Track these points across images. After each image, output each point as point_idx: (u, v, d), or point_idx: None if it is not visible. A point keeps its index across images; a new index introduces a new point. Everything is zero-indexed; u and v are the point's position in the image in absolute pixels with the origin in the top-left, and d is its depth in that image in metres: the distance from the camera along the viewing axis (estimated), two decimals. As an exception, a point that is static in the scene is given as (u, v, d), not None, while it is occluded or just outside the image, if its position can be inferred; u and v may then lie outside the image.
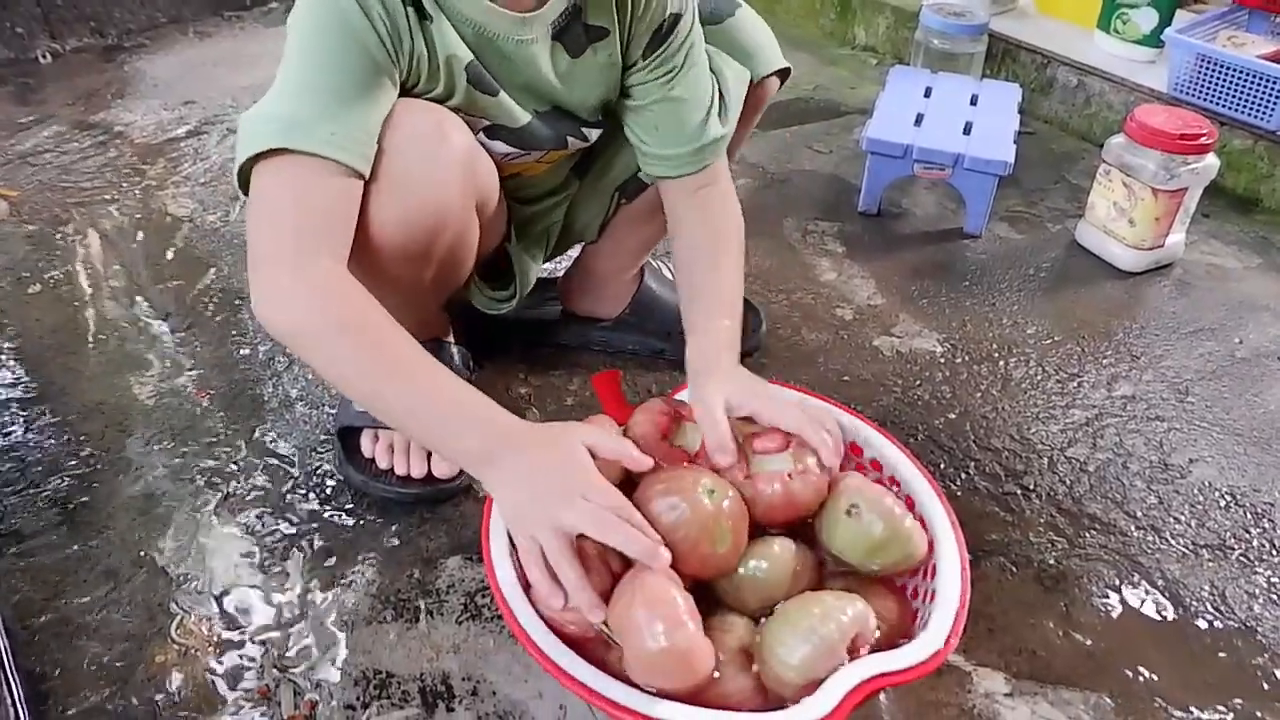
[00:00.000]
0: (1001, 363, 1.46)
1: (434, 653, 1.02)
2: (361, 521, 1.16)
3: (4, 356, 1.40)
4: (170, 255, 1.64)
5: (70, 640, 1.02)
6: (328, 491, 1.20)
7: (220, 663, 1.00)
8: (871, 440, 1.04)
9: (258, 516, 1.17)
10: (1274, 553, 1.17)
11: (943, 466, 1.27)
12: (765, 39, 1.20)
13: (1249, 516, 1.22)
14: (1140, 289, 1.65)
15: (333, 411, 1.29)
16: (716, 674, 0.82)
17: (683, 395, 1.08)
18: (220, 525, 1.15)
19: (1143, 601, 1.10)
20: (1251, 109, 1.87)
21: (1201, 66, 1.91)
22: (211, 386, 1.36)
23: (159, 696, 0.97)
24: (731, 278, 1.14)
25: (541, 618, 0.84)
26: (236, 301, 1.53)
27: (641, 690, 0.79)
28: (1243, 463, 1.30)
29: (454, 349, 1.26)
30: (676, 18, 1.06)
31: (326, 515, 1.17)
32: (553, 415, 1.33)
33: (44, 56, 2.33)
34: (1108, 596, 1.11)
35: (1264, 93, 1.84)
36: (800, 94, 2.25)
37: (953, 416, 1.35)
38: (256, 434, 1.28)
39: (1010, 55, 2.25)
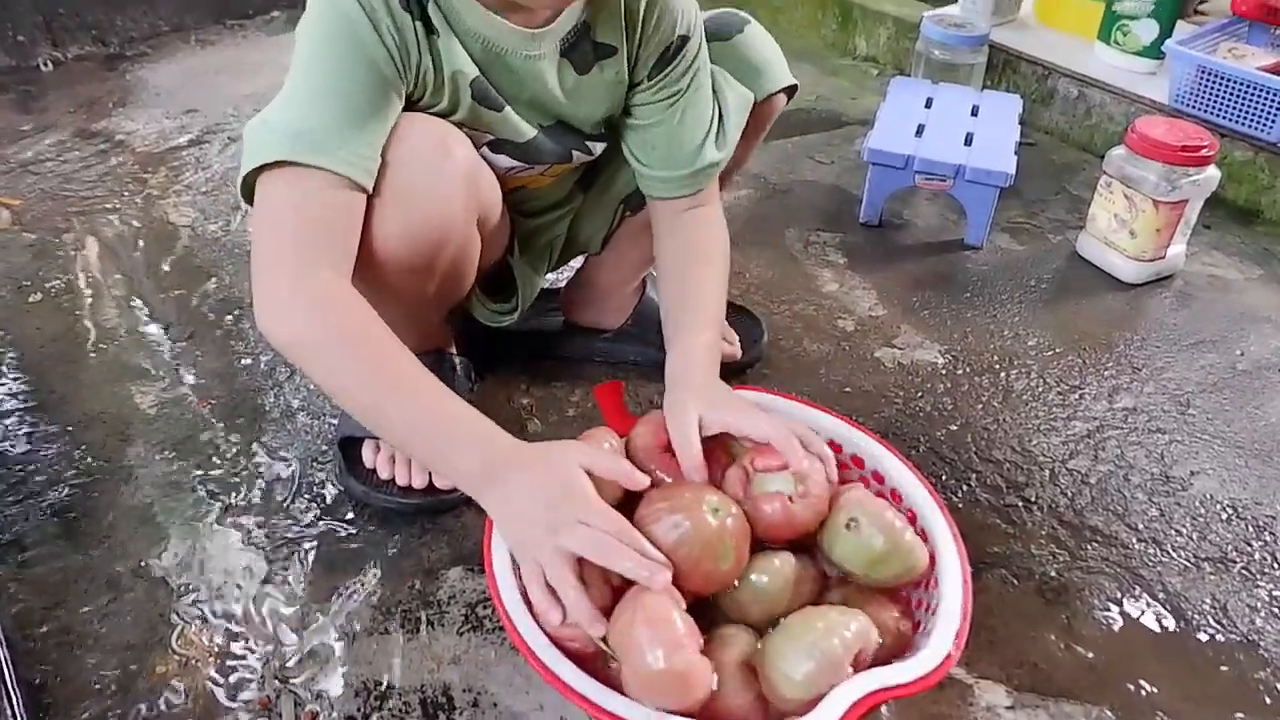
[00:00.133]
0: (1003, 374, 1.46)
1: (435, 664, 1.02)
2: (362, 532, 1.16)
3: (5, 365, 1.40)
4: (171, 264, 1.64)
5: (71, 650, 1.02)
6: (329, 502, 1.20)
7: (221, 673, 1.00)
8: (873, 452, 1.04)
9: (258, 526, 1.16)
10: (1276, 566, 1.17)
11: (944, 478, 1.27)
12: (773, 55, 1.20)
13: (1250, 530, 1.21)
14: (1141, 300, 1.65)
15: (334, 422, 1.29)
16: (714, 687, 0.82)
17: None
18: (221, 535, 1.15)
19: (1144, 614, 1.10)
20: (1252, 121, 1.87)
21: (1202, 78, 1.91)
22: (212, 396, 1.36)
23: (160, 707, 0.97)
24: (712, 291, 1.14)
25: (543, 631, 0.84)
26: (237, 311, 1.53)
27: (641, 704, 0.79)
28: (1244, 475, 1.29)
29: (456, 360, 1.26)
30: (684, 39, 1.07)
31: (327, 526, 1.17)
32: (555, 426, 1.33)
33: (46, 64, 2.34)
34: (1109, 609, 1.11)
35: (1264, 105, 1.84)
36: (802, 105, 2.25)
37: (954, 428, 1.35)
38: (257, 444, 1.28)
39: (1011, 66, 2.25)
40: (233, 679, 0.99)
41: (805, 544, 0.96)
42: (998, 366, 1.47)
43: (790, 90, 1.22)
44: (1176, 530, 1.21)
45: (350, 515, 1.18)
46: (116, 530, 1.15)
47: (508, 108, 1.02)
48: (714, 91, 1.13)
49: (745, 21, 1.18)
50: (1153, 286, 1.68)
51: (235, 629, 1.05)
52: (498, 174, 1.08)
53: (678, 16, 1.05)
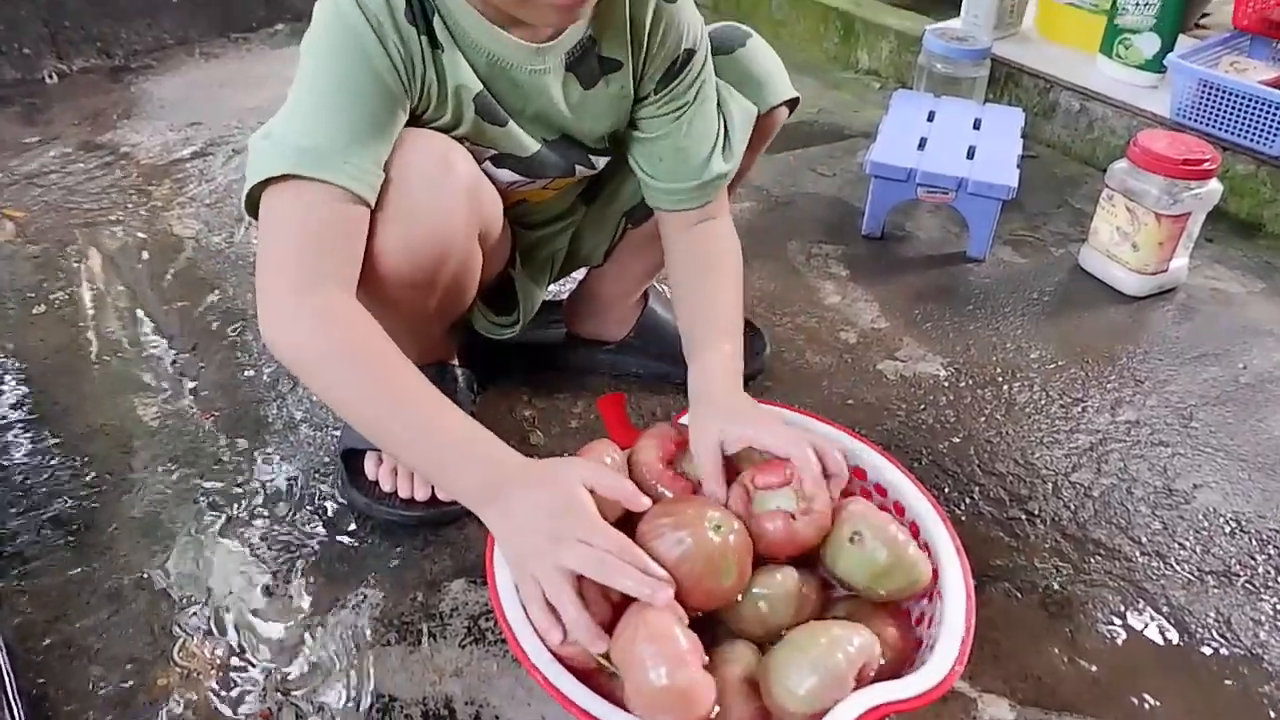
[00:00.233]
0: (1005, 387, 1.46)
1: (437, 676, 1.02)
2: (365, 544, 1.16)
3: (8, 377, 1.40)
4: (175, 276, 1.64)
5: (72, 663, 1.02)
6: (331, 514, 1.20)
7: (223, 686, 1.00)
8: (875, 464, 1.04)
9: (261, 539, 1.16)
10: (1280, 579, 1.17)
11: (947, 491, 1.27)
12: (775, 68, 1.20)
13: (1254, 543, 1.21)
14: (1144, 314, 1.65)
15: (336, 434, 1.29)
16: (717, 703, 0.82)
17: (686, 419, 1.09)
18: (223, 547, 1.15)
19: (1147, 628, 1.10)
20: (1254, 134, 1.87)
21: (1204, 92, 1.92)
22: (215, 408, 1.36)
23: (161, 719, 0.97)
24: (728, 303, 1.14)
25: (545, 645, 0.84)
26: (241, 323, 1.53)
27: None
28: (1247, 488, 1.29)
29: (458, 372, 1.26)
30: (690, 54, 1.07)
31: (330, 538, 1.17)
32: (557, 438, 1.33)
33: (51, 77, 2.34)
34: (1113, 622, 1.10)
35: (1266, 118, 1.84)
36: (804, 117, 2.26)
37: (957, 441, 1.35)
38: (260, 456, 1.28)
39: (1013, 79, 2.26)
40: (234, 691, 0.99)
41: (808, 558, 0.96)
42: (1000, 379, 1.47)
43: (792, 103, 1.22)
44: (1180, 543, 1.21)
45: (353, 527, 1.18)
46: (119, 542, 1.15)
47: (511, 122, 1.02)
48: (718, 104, 1.13)
49: (747, 35, 1.19)
50: (1155, 300, 1.68)
51: (237, 641, 1.04)
52: (500, 188, 1.08)
53: (684, 31, 1.06)
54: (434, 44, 0.94)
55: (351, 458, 1.21)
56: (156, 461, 1.27)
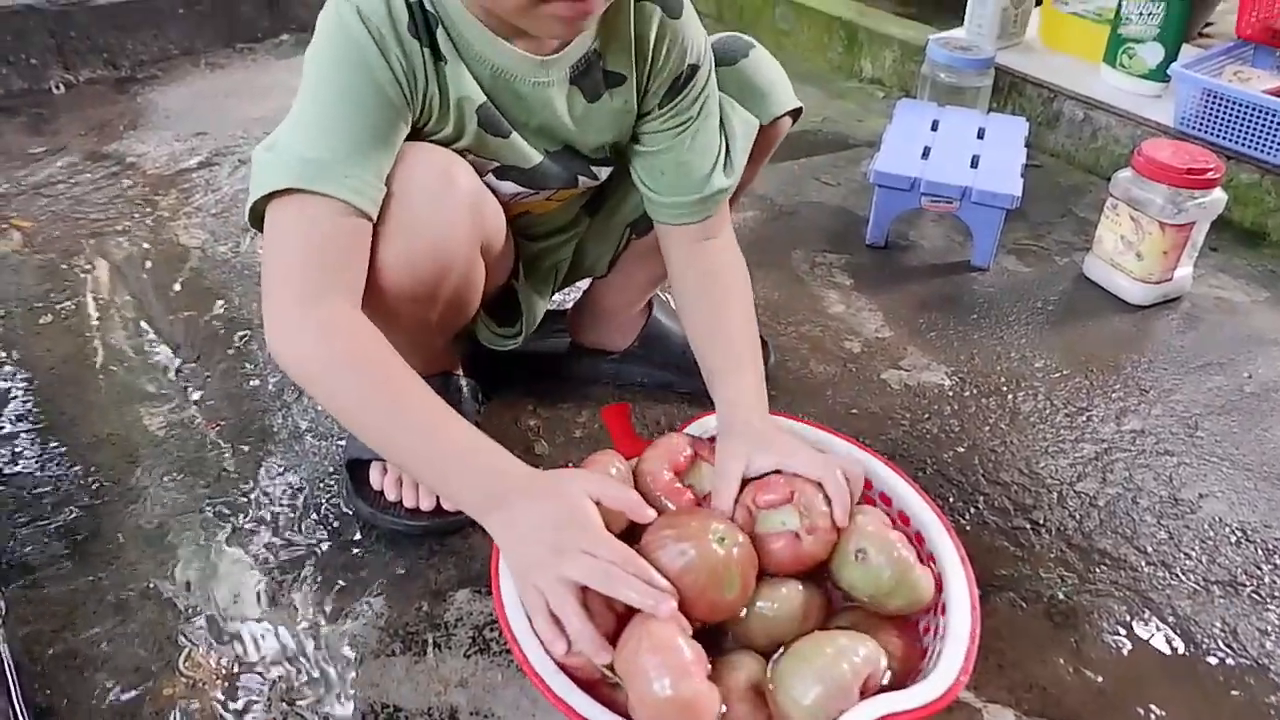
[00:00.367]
0: (1010, 396, 1.46)
1: (442, 686, 1.02)
2: (370, 554, 1.16)
3: (15, 387, 1.40)
4: (180, 286, 1.65)
5: (79, 673, 1.02)
6: (336, 524, 1.20)
7: (228, 696, 1.00)
8: (880, 474, 1.04)
9: (266, 548, 1.17)
10: (1285, 589, 1.16)
11: (951, 500, 1.27)
12: (778, 78, 1.20)
13: (1260, 553, 1.21)
14: (1148, 323, 1.65)
15: (342, 443, 1.30)
16: (722, 714, 0.82)
17: (692, 429, 1.09)
18: (229, 557, 1.15)
19: (1153, 637, 1.10)
20: (1258, 143, 1.87)
21: (1208, 101, 1.92)
22: (221, 418, 1.36)
23: (166, 730, 0.97)
24: (742, 327, 1.14)
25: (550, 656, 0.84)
26: (246, 332, 1.53)
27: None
28: (1253, 498, 1.29)
29: (462, 382, 1.26)
30: (694, 69, 1.07)
31: (335, 547, 1.17)
32: (561, 448, 1.33)
33: (57, 87, 2.35)
34: (1118, 632, 1.10)
35: (1270, 127, 1.84)
36: (808, 127, 2.26)
37: (961, 450, 1.35)
38: (265, 466, 1.28)
39: (1017, 89, 2.26)
40: (240, 701, 0.99)
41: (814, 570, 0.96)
42: (1005, 388, 1.47)
43: (795, 113, 1.22)
44: (1185, 553, 1.21)
45: (358, 537, 1.18)
46: (125, 552, 1.16)
47: (514, 134, 1.03)
48: (720, 119, 1.14)
49: (750, 46, 1.19)
50: (1160, 309, 1.68)
51: (243, 651, 1.05)
52: (502, 200, 1.09)
53: (688, 46, 1.06)
54: (437, 56, 0.95)
55: (356, 467, 1.21)
56: (162, 471, 1.27)
